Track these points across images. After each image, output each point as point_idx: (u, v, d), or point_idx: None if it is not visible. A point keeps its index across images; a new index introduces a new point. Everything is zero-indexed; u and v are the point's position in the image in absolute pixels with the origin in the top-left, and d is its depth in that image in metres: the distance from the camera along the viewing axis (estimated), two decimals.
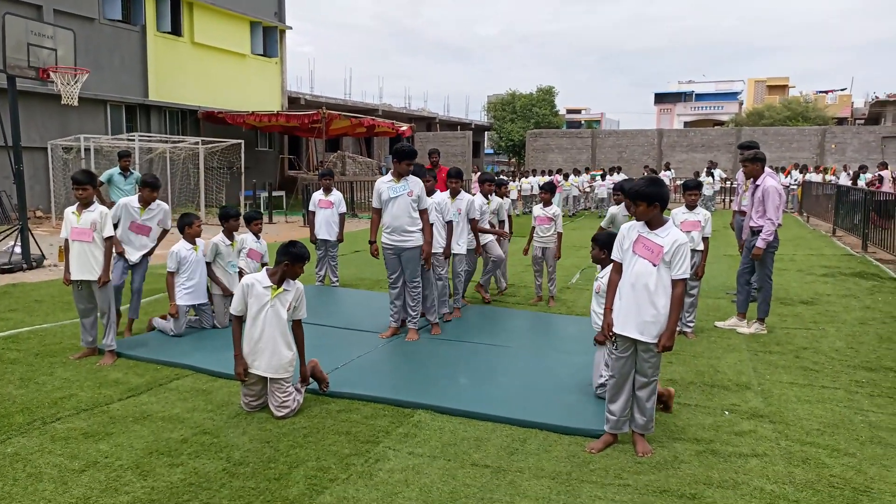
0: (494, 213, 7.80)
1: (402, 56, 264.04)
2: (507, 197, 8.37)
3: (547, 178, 20.95)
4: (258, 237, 6.77)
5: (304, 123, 21.71)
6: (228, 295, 6.38)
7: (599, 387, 4.45)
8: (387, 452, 3.76)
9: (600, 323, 4.36)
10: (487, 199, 7.65)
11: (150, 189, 6.21)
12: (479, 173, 11.08)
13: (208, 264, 6.38)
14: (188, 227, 6.28)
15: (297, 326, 4.50)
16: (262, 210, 20.21)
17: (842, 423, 4.24)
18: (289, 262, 4.30)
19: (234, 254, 6.51)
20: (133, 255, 6.17)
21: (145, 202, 6.22)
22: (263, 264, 6.70)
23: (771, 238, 6.30)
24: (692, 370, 5.29)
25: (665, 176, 23.15)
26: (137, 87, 20.52)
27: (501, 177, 11.57)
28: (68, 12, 17.78)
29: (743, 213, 7.84)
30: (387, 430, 4.08)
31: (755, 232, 6.43)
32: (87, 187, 5.43)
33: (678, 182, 24.25)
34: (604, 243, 4.68)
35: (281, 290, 4.34)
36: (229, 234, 6.49)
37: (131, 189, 9.99)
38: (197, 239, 6.32)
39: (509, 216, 8.17)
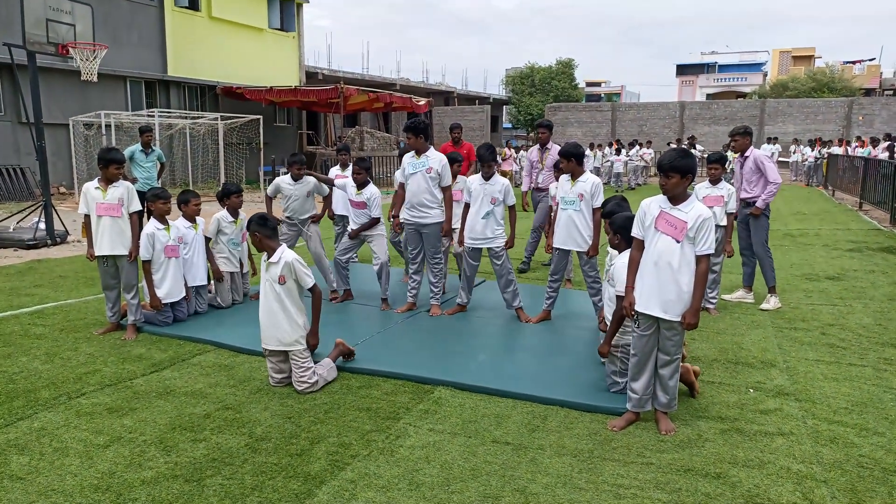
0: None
1: (419, 29, 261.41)
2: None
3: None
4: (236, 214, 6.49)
5: (322, 99, 21.60)
6: (218, 279, 6.26)
7: (612, 384, 4.24)
8: (407, 429, 3.76)
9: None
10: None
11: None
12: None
13: (207, 240, 6.20)
14: (184, 204, 6.04)
15: (312, 293, 4.48)
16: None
17: (870, 401, 4.16)
18: (256, 231, 4.41)
19: (237, 232, 6.39)
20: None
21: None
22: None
23: (772, 198, 6.37)
24: (715, 347, 5.22)
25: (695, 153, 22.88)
26: (156, 62, 20.52)
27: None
28: None
29: (539, 190, 8.15)
30: (407, 406, 4.08)
31: (748, 203, 6.48)
32: (124, 165, 5.68)
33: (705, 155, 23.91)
34: (620, 227, 4.23)
35: (268, 262, 4.40)
36: (233, 211, 6.38)
37: (152, 166, 10.01)
38: (197, 217, 6.14)
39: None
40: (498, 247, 5.95)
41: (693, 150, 22.28)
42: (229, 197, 6.36)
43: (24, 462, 3.36)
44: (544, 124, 8.00)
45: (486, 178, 5.91)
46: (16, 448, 3.51)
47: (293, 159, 6.71)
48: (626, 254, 4.21)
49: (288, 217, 6.76)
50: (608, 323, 4.38)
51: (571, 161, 5.60)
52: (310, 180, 6.71)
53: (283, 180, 6.72)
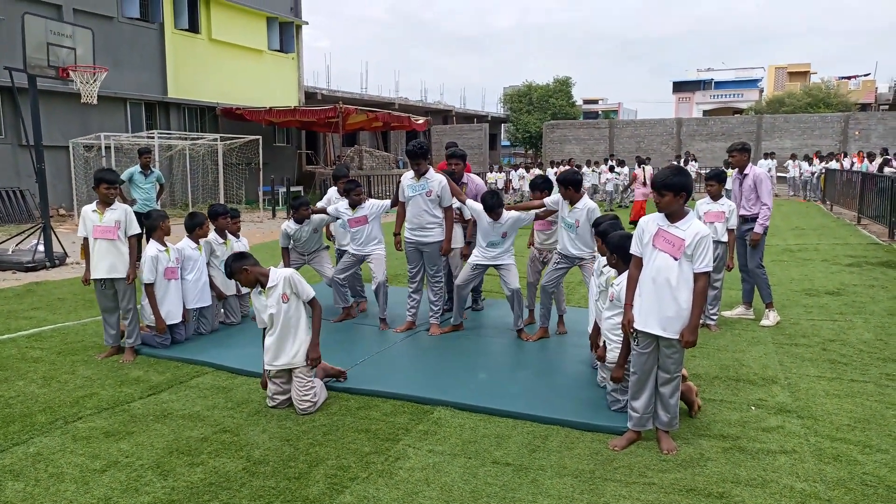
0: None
1: (417, 49, 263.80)
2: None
3: (539, 172, 20.18)
4: (237, 236, 6.62)
5: (321, 119, 21.72)
6: (222, 298, 6.36)
7: (613, 402, 4.22)
8: (407, 450, 3.72)
9: (613, 339, 4.25)
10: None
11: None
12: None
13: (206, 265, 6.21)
14: (199, 227, 6.09)
15: (312, 307, 4.45)
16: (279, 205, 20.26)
17: (873, 418, 4.13)
18: (244, 267, 4.33)
19: (227, 253, 6.30)
20: None
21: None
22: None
23: (768, 222, 6.39)
24: (716, 364, 5.19)
25: (691, 168, 22.89)
26: (156, 84, 20.66)
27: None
28: (87, 11, 17.93)
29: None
30: (407, 427, 4.04)
31: (747, 220, 6.46)
32: (118, 187, 5.66)
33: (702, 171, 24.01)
34: (615, 246, 4.18)
35: (266, 289, 4.35)
36: (221, 232, 6.42)
37: (151, 187, 10.04)
38: (202, 240, 6.16)
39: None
40: (505, 263, 5.94)
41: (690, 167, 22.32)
42: (216, 218, 6.40)
43: (19, 488, 3.32)
44: (458, 154, 6.47)
45: (495, 218, 5.82)
46: (11, 474, 3.47)
47: (299, 203, 6.71)
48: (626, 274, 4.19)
49: (299, 253, 6.88)
50: (607, 337, 4.34)
51: (569, 189, 5.54)
52: (314, 218, 6.79)
53: (289, 226, 6.77)
